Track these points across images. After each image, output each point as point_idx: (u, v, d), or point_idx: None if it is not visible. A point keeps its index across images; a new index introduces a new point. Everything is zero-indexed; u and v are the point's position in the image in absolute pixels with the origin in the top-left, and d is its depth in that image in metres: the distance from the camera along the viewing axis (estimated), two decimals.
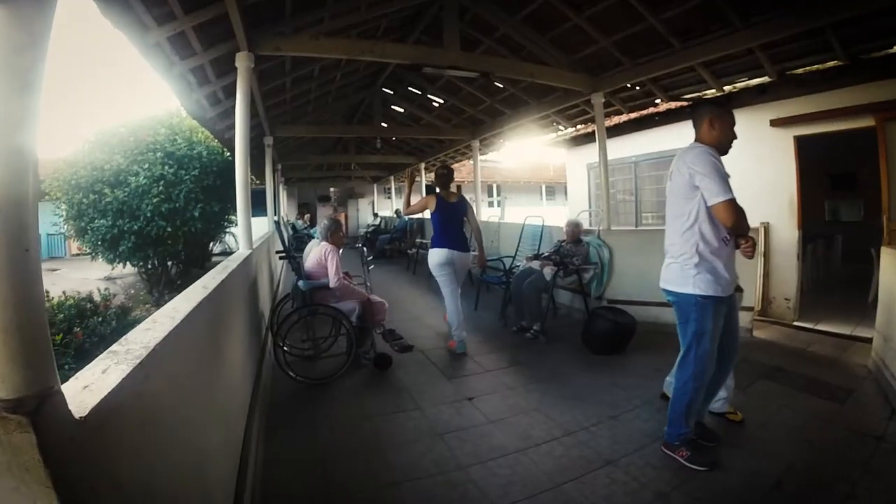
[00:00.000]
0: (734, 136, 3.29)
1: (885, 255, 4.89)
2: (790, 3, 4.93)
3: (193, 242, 11.73)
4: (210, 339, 2.37)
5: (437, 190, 5.91)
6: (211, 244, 13.45)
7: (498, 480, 3.13)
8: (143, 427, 1.32)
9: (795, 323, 6.89)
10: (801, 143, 7.21)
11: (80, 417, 0.98)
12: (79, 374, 1.18)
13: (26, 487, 0.86)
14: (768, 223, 7.56)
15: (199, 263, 12.61)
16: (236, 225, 12.88)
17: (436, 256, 5.75)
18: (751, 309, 6.20)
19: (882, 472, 3.15)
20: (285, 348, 4.90)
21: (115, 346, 1.41)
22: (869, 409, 4.08)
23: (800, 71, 6.34)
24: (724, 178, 2.97)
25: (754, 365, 5.03)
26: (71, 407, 0.97)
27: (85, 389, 1.08)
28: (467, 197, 6.10)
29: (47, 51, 0.93)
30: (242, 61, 4.95)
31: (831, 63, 5.91)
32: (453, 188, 5.93)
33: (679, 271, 3.21)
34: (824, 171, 10.35)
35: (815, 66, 6.19)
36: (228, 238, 14.48)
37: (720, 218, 3.00)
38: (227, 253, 14.49)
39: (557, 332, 6.52)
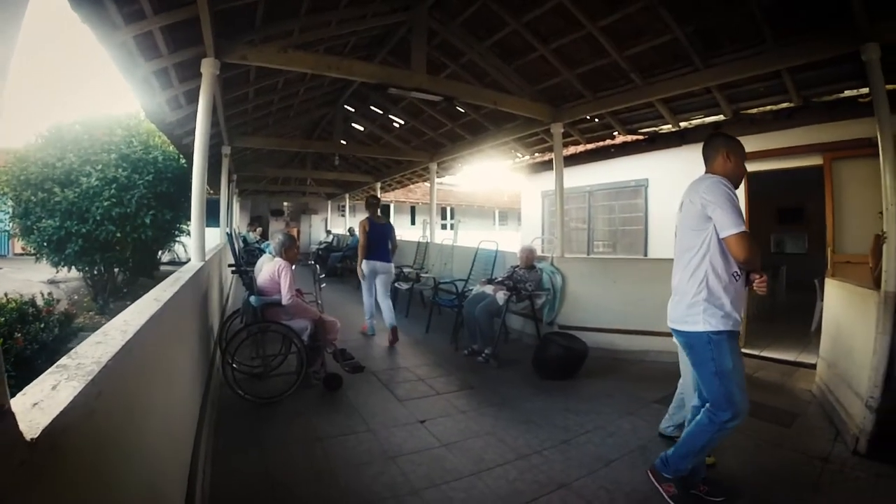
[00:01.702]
0: (746, 170, 3.23)
1: (830, 286, 5.14)
2: (750, 48, 5.17)
3: (142, 250, 11.27)
4: (161, 355, 2.29)
5: (369, 215, 7.53)
6: (160, 253, 13.02)
7: None
8: (97, 449, 1.26)
9: (743, 350, 7.04)
10: (751, 178, 7.50)
11: (32, 440, 0.89)
12: (26, 389, 1.09)
13: None
14: None
15: (147, 272, 12.18)
16: (187, 234, 12.52)
17: (366, 267, 7.36)
18: None
19: (829, 491, 3.32)
20: (234, 365, 4.76)
21: (64, 360, 1.33)
22: (815, 432, 4.26)
23: (754, 111, 6.60)
24: (738, 209, 2.85)
25: None
26: (21, 428, 0.88)
27: (35, 407, 1.00)
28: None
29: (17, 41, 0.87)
30: (208, 68, 4.87)
31: (784, 104, 6.16)
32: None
33: (686, 309, 3.03)
34: (773, 206, 10.77)
35: (769, 107, 6.45)
36: (177, 247, 14.00)
37: (733, 251, 2.86)
38: (175, 262, 14.07)
39: (509, 356, 6.54)
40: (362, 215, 8.21)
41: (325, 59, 5.88)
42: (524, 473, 3.52)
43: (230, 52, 5.00)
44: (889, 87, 4.81)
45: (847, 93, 5.53)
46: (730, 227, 2.79)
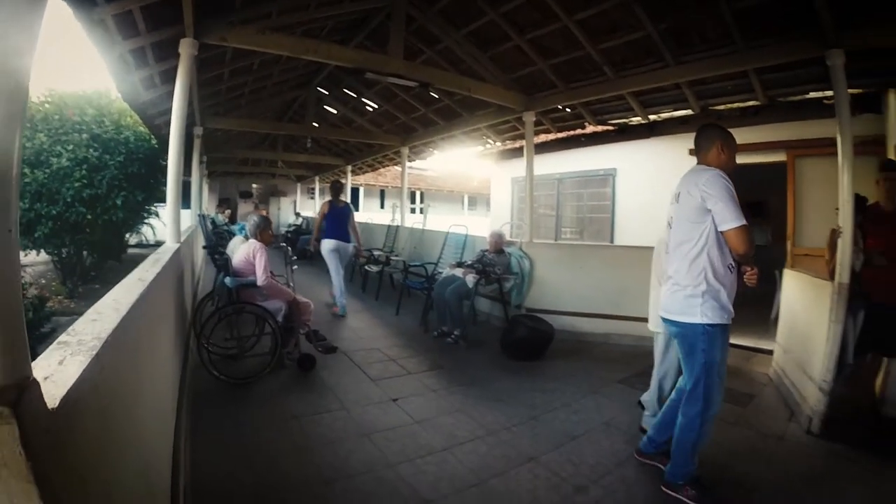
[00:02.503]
0: (736, 163, 3.22)
1: (788, 276, 5.43)
2: (720, 47, 5.37)
3: (112, 232, 11.00)
4: (149, 334, 2.34)
5: (331, 198, 8.10)
6: (127, 235, 12.69)
7: (426, 478, 3.24)
8: (101, 421, 1.30)
9: None
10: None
11: (52, 409, 0.93)
12: (34, 363, 1.06)
13: (2, 484, 0.79)
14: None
15: (115, 255, 11.91)
16: (155, 216, 12.28)
17: (327, 245, 7.92)
18: None
19: (784, 466, 3.59)
20: (207, 346, 4.75)
21: (63, 337, 1.37)
22: (770, 412, 4.55)
23: (721, 107, 6.81)
24: (737, 202, 2.86)
25: None
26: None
27: (47, 380, 1.02)
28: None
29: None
30: (186, 48, 4.83)
31: (751, 102, 6.37)
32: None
33: (685, 300, 3.03)
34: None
35: (737, 104, 6.67)
36: (145, 229, 13.72)
37: (733, 244, 2.90)
38: (143, 245, 13.80)
39: (478, 338, 6.71)
40: (344, 199, 8.57)
41: (304, 42, 5.90)
42: (494, 448, 3.69)
43: (209, 33, 4.97)
44: (851, 91, 5.09)
45: (812, 94, 5.76)
46: (731, 221, 2.83)
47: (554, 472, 3.38)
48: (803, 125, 6.77)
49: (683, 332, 3.10)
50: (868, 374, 4.44)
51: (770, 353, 5.76)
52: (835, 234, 4.21)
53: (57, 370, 1.10)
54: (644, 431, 3.98)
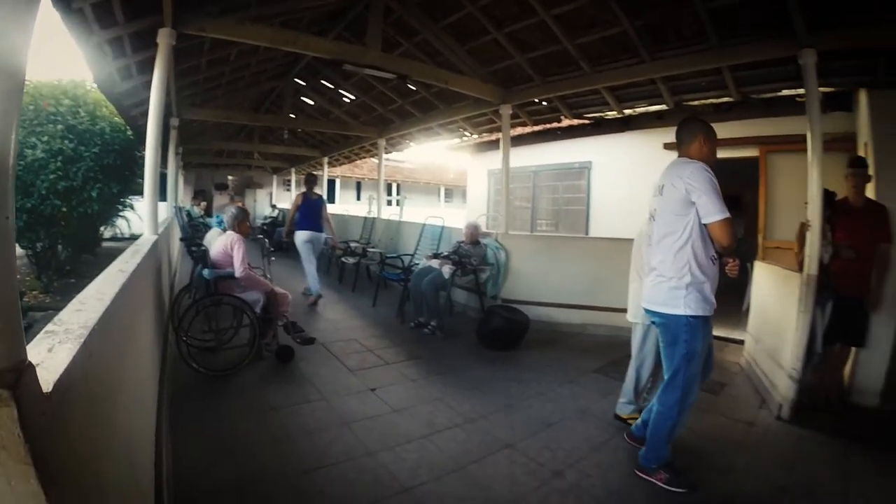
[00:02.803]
0: (716, 156, 3.28)
1: (759, 268, 5.58)
2: (695, 45, 5.46)
3: (87, 225, 10.69)
4: (131, 324, 2.34)
5: (305, 190, 8.42)
6: (102, 228, 12.38)
7: (406, 464, 3.30)
8: (90, 407, 1.32)
9: None
10: None
11: (47, 393, 0.95)
12: None
13: (1, 466, 0.80)
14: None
15: (90, 249, 11.60)
16: (131, 208, 12.06)
17: (302, 236, 8.19)
18: None
19: (755, 451, 3.74)
20: (186, 339, 4.73)
21: (50, 326, 1.37)
22: (741, 400, 4.72)
23: (695, 103, 6.91)
24: (720, 195, 2.91)
25: None
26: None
27: (38, 367, 1.00)
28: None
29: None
30: (164, 38, 4.77)
31: (725, 98, 6.49)
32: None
33: (668, 292, 3.08)
34: None
35: (710, 100, 6.78)
36: (121, 222, 13.35)
37: (717, 236, 2.95)
38: (117, 238, 13.50)
39: (454, 328, 6.77)
40: (318, 191, 8.74)
41: (283, 33, 5.84)
42: (472, 435, 3.77)
43: (188, 23, 4.92)
44: (824, 89, 5.26)
45: (785, 92, 5.88)
46: (715, 214, 2.88)
47: (531, 457, 3.46)
48: (775, 122, 6.95)
49: (666, 323, 3.15)
50: (837, 362, 4.63)
51: (741, 343, 5.94)
52: (804, 227, 4.36)
53: (47, 357, 1.12)
54: (619, 419, 4.10)
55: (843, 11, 4.34)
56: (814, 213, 4.21)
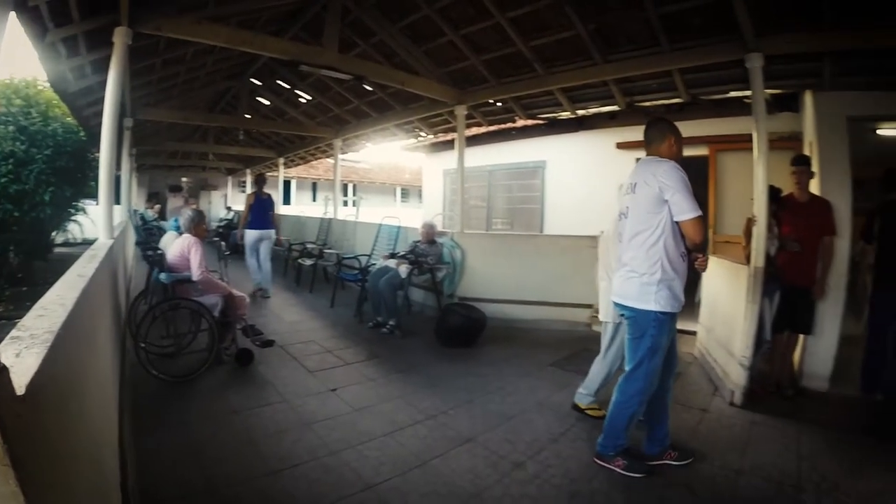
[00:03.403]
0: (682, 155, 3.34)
1: (709, 262, 5.78)
2: (646, 48, 5.64)
3: (39, 230, 10.39)
4: (91, 329, 2.33)
5: (255, 190, 8.76)
6: (54, 233, 12.02)
7: (370, 462, 3.33)
8: (59, 412, 1.32)
9: None
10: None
11: (21, 395, 0.95)
12: None
13: None
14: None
15: (42, 254, 11.23)
16: (83, 212, 11.68)
17: (251, 234, 8.59)
18: (590, 307, 6.94)
19: (708, 434, 3.94)
20: (144, 345, 4.61)
21: (15, 332, 1.38)
22: (695, 388, 4.91)
23: (647, 104, 7.09)
24: (692, 194, 3.00)
25: (596, 355, 5.63)
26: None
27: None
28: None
29: None
30: (120, 37, 4.65)
31: (676, 100, 6.65)
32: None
33: (640, 287, 3.15)
34: None
35: (662, 101, 6.96)
36: (72, 227, 12.86)
37: (689, 233, 3.04)
38: (70, 244, 13.04)
39: (412, 327, 6.82)
40: (267, 191, 8.94)
41: (240, 33, 5.80)
42: (433, 431, 3.83)
43: (145, 22, 4.82)
44: (771, 91, 5.62)
45: (733, 93, 6.09)
46: (688, 212, 2.98)
47: (492, 450, 3.54)
48: (724, 122, 7.19)
49: (635, 317, 3.22)
50: (786, 349, 4.89)
51: (694, 334, 6.13)
52: (750, 222, 4.59)
53: (16, 362, 1.12)
54: (577, 409, 4.22)
55: (787, 18, 4.57)
56: (760, 208, 4.44)
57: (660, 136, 3.32)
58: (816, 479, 3.29)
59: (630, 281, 3.21)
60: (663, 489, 3.17)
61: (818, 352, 4.94)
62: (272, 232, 8.86)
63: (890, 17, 4.15)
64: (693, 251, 3.24)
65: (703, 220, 3.01)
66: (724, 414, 4.32)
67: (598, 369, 4.20)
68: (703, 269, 3.43)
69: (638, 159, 7.91)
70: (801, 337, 4.96)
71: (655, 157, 3.29)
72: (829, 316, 4.86)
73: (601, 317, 4.22)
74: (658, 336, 3.15)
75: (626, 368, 3.32)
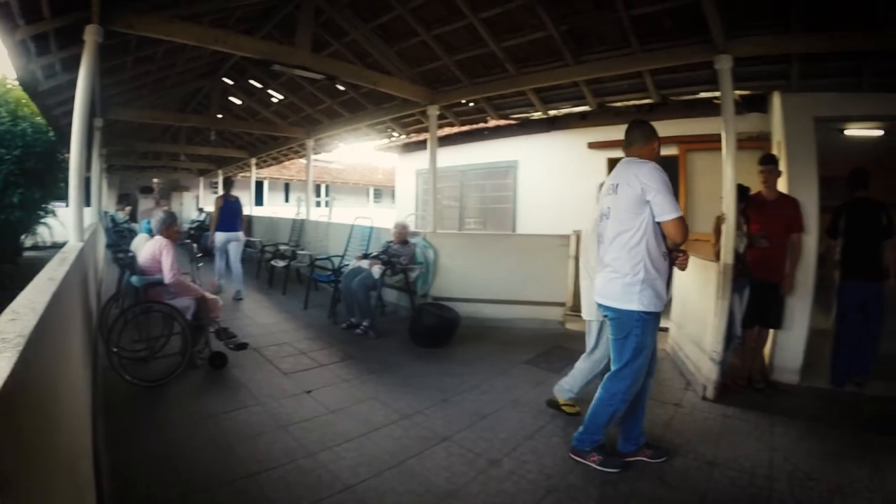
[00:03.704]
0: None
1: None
2: (617, 49, 5.72)
3: (8, 233, 10.05)
4: (63, 334, 2.26)
5: (223, 193, 9.01)
6: (23, 236, 11.67)
7: (346, 463, 3.33)
8: (34, 415, 1.29)
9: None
10: (613, 164, 8.22)
11: None
12: None
13: None
14: (580, 231, 8.52)
15: (11, 258, 10.89)
16: (53, 214, 11.41)
17: (220, 237, 8.73)
18: (563, 305, 7.06)
19: (681, 428, 4.02)
20: (116, 350, 4.52)
21: None
22: (668, 383, 4.99)
23: (618, 104, 7.16)
24: (674, 195, 3.06)
25: (570, 352, 5.73)
26: None
27: None
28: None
29: None
30: (91, 35, 4.54)
31: (646, 100, 6.74)
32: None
33: (623, 288, 3.16)
34: None
35: (632, 102, 7.04)
36: (42, 230, 12.45)
37: (670, 234, 3.09)
38: (39, 247, 12.73)
39: (386, 327, 6.82)
40: (236, 192, 9.19)
41: (212, 32, 5.72)
42: (409, 431, 3.84)
43: (116, 20, 4.72)
44: (741, 92, 5.74)
45: (702, 94, 6.19)
46: (670, 212, 3.02)
47: (468, 448, 3.57)
48: (695, 122, 7.35)
49: (619, 318, 3.24)
50: (757, 344, 5.02)
51: (666, 330, 6.19)
52: (720, 220, 4.69)
53: None
54: (552, 405, 4.26)
55: (758, 20, 4.70)
56: (728, 206, 4.54)
57: (643, 139, 3.36)
58: (789, 469, 3.38)
59: (613, 282, 3.23)
60: (637, 482, 3.21)
61: (788, 345, 5.07)
62: (241, 234, 8.99)
63: (854, 22, 4.32)
64: (674, 250, 3.28)
65: (684, 221, 3.06)
66: (697, 408, 4.40)
67: (583, 366, 4.21)
68: (684, 268, 3.44)
69: (610, 159, 8.13)
70: (772, 331, 5.09)
71: (636, 157, 3.31)
72: (798, 310, 5.01)
73: (584, 315, 4.24)
74: (643, 335, 3.18)
75: (613, 368, 3.34)
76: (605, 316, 3.44)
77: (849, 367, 4.83)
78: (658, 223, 3.10)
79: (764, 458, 3.52)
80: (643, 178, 3.07)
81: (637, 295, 3.12)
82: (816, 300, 5.08)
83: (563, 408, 4.20)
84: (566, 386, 4.22)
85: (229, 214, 8.84)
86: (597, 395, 3.40)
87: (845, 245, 4.87)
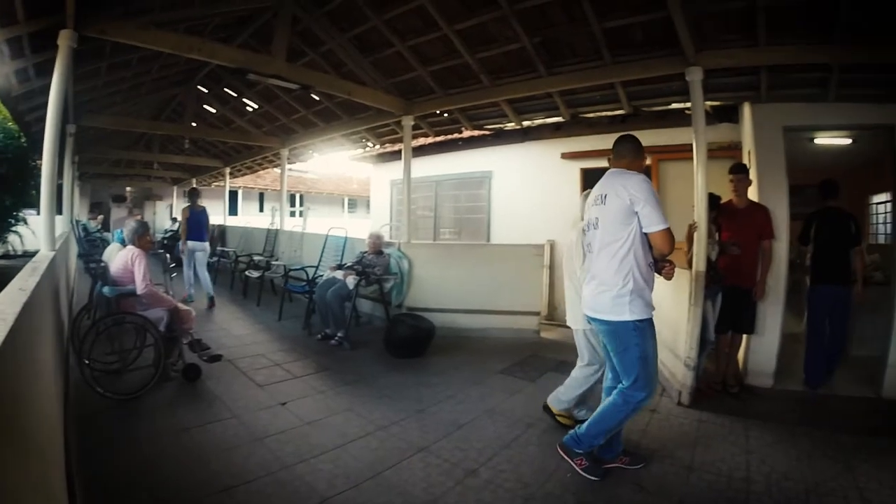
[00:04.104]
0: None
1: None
2: (590, 61, 5.80)
3: None
4: (33, 346, 2.22)
5: (189, 203, 9.29)
6: None
7: (323, 475, 3.30)
8: (1, 432, 1.27)
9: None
10: (586, 174, 8.36)
11: None
12: None
13: None
14: (554, 241, 8.67)
15: None
16: (24, 222, 11.18)
17: (191, 246, 8.97)
18: (537, 314, 7.10)
19: (657, 434, 4.08)
20: (87, 362, 4.42)
21: None
22: None
23: (591, 115, 7.27)
24: (661, 206, 3.07)
25: (544, 360, 5.90)
26: None
27: None
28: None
29: None
30: (65, 40, 4.48)
31: (619, 111, 6.85)
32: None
33: (612, 300, 3.16)
34: None
35: (605, 113, 7.15)
36: (12, 238, 12.32)
37: (658, 244, 3.11)
38: (9, 256, 12.47)
39: (361, 338, 6.79)
40: (210, 201, 9.47)
41: (188, 39, 5.70)
42: (385, 442, 3.81)
43: (91, 26, 4.67)
44: (712, 103, 5.96)
45: (674, 105, 6.33)
46: (657, 224, 3.03)
47: (445, 458, 3.56)
48: (667, 132, 7.44)
49: (614, 330, 3.23)
50: (731, 349, 5.11)
51: None
52: (692, 228, 4.77)
53: None
54: (548, 411, 4.25)
55: (728, 34, 4.82)
56: (700, 214, 4.63)
57: (633, 153, 3.41)
58: (766, 471, 3.44)
59: (602, 294, 3.22)
60: (615, 489, 3.24)
61: (761, 350, 5.19)
62: (207, 244, 9.30)
63: (819, 34, 4.47)
64: (660, 260, 3.30)
65: (671, 232, 3.08)
66: (672, 413, 4.47)
67: (577, 375, 4.16)
68: (670, 278, 3.48)
69: (583, 169, 8.23)
70: (745, 336, 5.19)
71: (622, 169, 3.33)
72: (770, 315, 5.14)
73: (570, 323, 4.20)
74: (643, 343, 3.17)
75: (625, 383, 3.27)
76: (599, 331, 3.43)
77: (823, 368, 5.04)
78: (645, 234, 3.12)
79: (740, 461, 3.58)
80: (632, 189, 3.08)
81: (627, 306, 3.12)
82: (788, 305, 5.24)
83: (559, 418, 4.18)
84: (562, 397, 4.18)
85: (199, 224, 9.12)
86: (609, 399, 3.36)
87: (815, 251, 5.15)
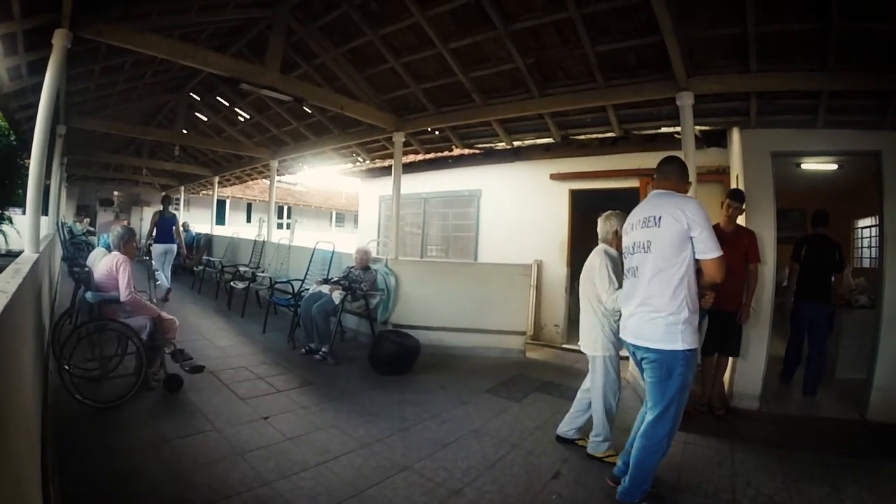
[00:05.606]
0: None
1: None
2: (582, 84, 5.88)
3: None
4: (13, 350, 2.17)
5: (162, 208, 10.24)
6: None
7: (304, 492, 3.26)
8: None
9: (563, 345, 8.23)
10: (575, 195, 8.42)
11: None
12: None
13: None
14: (542, 261, 8.76)
15: None
16: (9, 221, 11.05)
17: (158, 248, 10.14)
18: (524, 334, 7.11)
19: None
20: (67, 367, 4.34)
21: None
22: (629, 411, 4.88)
23: (581, 137, 7.35)
24: (714, 233, 3.01)
25: (530, 380, 5.88)
26: None
27: None
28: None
29: None
30: (60, 39, 4.46)
31: (609, 133, 6.91)
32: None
33: (666, 328, 3.04)
34: (594, 220, 12.00)
35: (596, 135, 7.22)
36: None
37: (710, 272, 3.01)
38: None
39: (346, 354, 6.75)
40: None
41: (182, 46, 5.68)
42: (368, 460, 3.77)
43: (86, 27, 4.64)
44: (701, 127, 5.99)
45: (664, 129, 6.41)
46: (713, 251, 2.96)
47: (428, 478, 3.52)
48: (656, 155, 7.39)
49: (662, 359, 3.10)
50: (717, 371, 5.13)
51: (627, 359, 6.24)
52: None
53: None
54: (565, 441, 4.23)
55: (719, 60, 4.91)
56: None
57: (678, 174, 3.38)
58: (751, 493, 3.46)
59: (654, 322, 3.10)
60: None
61: (747, 372, 5.23)
62: (174, 246, 10.36)
63: (807, 63, 4.59)
64: (704, 288, 3.22)
65: (723, 260, 3.02)
66: None
67: (596, 407, 4.06)
68: (709, 306, 3.41)
69: (572, 190, 8.29)
70: (731, 359, 5.21)
71: (671, 191, 3.29)
72: (756, 338, 5.19)
73: (585, 349, 4.14)
74: (686, 373, 3.08)
75: (653, 413, 3.19)
76: (643, 359, 3.27)
77: (817, 378, 5.48)
78: (696, 260, 3.05)
79: (726, 483, 3.59)
80: (690, 213, 3.01)
81: (680, 334, 3.02)
82: (774, 328, 5.28)
83: (578, 443, 4.17)
84: (597, 437, 4.04)
85: (166, 229, 10.17)
86: (637, 445, 3.25)
87: (801, 273, 5.65)
